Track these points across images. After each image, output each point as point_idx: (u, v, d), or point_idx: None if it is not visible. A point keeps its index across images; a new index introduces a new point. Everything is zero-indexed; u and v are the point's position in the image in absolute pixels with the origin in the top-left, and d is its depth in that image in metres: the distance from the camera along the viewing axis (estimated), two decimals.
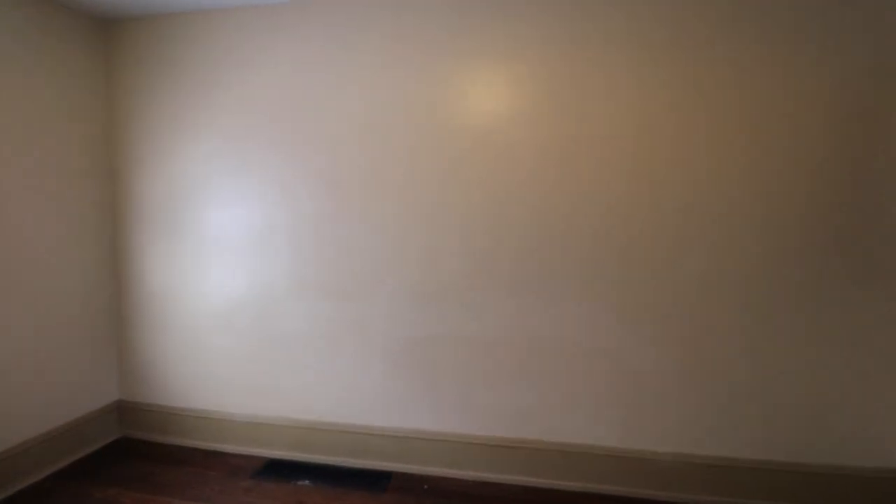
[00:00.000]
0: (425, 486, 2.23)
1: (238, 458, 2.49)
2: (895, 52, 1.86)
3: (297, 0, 2.33)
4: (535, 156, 2.15)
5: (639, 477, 2.17)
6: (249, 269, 2.48)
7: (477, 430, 2.30)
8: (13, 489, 2.15)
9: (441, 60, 2.20)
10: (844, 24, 1.89)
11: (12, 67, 2.16)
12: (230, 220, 2.49)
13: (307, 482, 2.26)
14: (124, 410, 2.71)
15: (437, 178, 2.24)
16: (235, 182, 2.47)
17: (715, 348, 2.10)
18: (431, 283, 2.28)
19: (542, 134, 2.13)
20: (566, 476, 2.22)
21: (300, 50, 2.34)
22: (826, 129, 1.94)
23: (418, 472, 2.34)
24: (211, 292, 2.54)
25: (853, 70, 1.90)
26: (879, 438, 2.04)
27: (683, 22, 2.00)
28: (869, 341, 2.00)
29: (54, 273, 2.36)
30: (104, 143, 2.61)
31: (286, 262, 2.43)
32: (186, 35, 2.47)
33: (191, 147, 2.51)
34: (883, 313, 1.98)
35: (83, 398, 2.54)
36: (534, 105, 2.13)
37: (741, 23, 1.96)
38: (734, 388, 2.10)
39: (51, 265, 2.35)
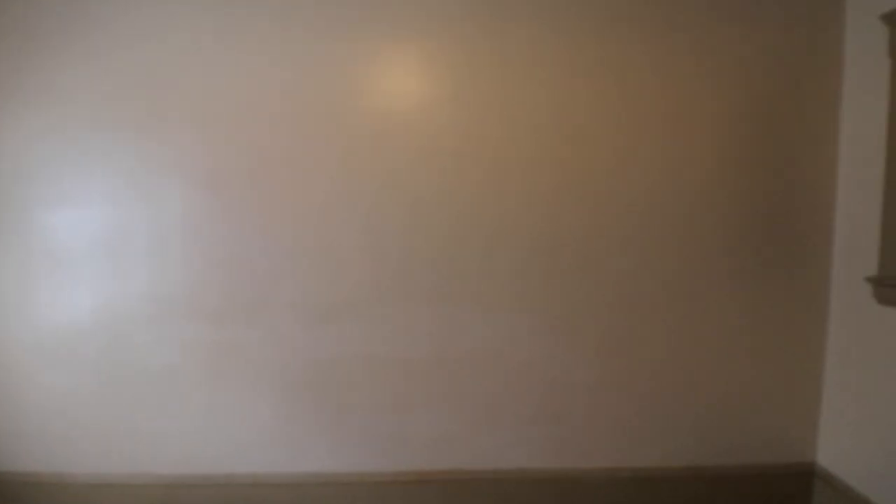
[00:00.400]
0: None
1: None
2: (810, 47, 1.93)
3: None
4: (456, 147, 1.92)
5: (571, 497, 2.01)
6: (95, 287, 1.94)
7: (389, 466, 1.98)
8: None
9: (340, 34, 1.89)
10: (767, 13, 1.92)
11: None
12: (68, 223, 1.94)
13: None
14: None
15: (339, 172, 1.92)
16: (77, 172, 1.92)
17: (644, 354, 2.02)
18: (334, 296, 1.94)
19: (464, 123, 1.91)
20: None
21: (165, 12, 1.90)
22: (746, 125, 1.95)
23: None
24: (41, 319, 1.96)
25: (771, 64, 1.94)
26: (794, 433, 2.08)
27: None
28: (791, 337, 2.04)
29: None
30: None
31: (146, 278, 1.93)
32: None
33: (12, 121, 1.92)
34: (799, 311, 2.03)
35: None
36: (454, 90, 1.91)
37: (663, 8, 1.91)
38: (664, 393, 2.03)
39: None
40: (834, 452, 1.98)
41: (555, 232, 1.95)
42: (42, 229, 1.94)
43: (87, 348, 1.96)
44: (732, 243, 1.98)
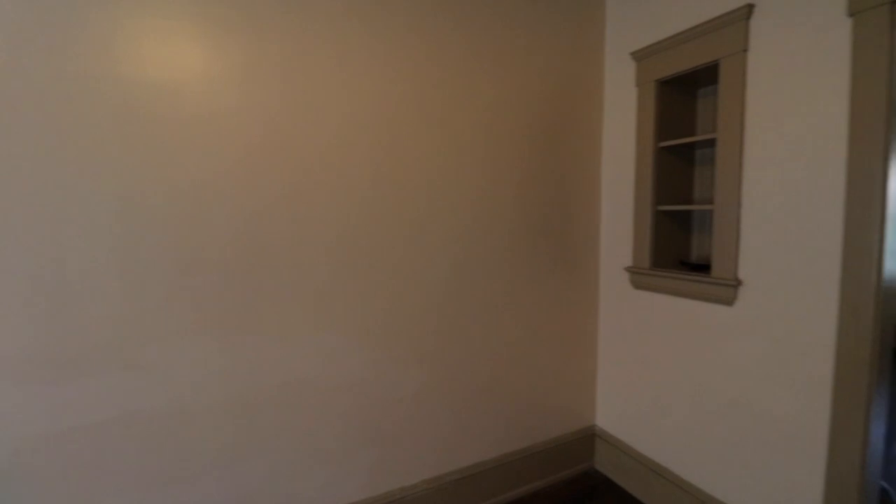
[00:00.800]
0: None
1: None
2: (580, 79, 2.20)
3: None
4: (246, 134, 1.53)
5: None
6: None
7: None
8: None
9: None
10: (550, 28, 2.10)
11: None
12: None
13: None
14: None
15: (72, 163, 1.31)
16: None
17: (457, 357, 2.01)
18: (67, 342, 1.33)
19: (257, 105, 1.54)
20: None
21: None
22: (536, 145, 2.12)
23: None
24: None
25: (553, 92, 2.14)
26: (579, 404, 2.40)
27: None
28: (575, 323, 2.32)
29: None
30: None
31: None
32: None
33: None
34: (580, 301, 2.33)
35: None
36: (244, 66, 1.51)
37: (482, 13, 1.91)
38: (477, 391, 2.07)
39: None
40: (606, 414, 2.39)
41: (362, 240, 1.77)
42: None
43: None
44: (527, 247, 2.15)
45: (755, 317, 1.69)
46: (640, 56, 2.07)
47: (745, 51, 1.68)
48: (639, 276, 2.14)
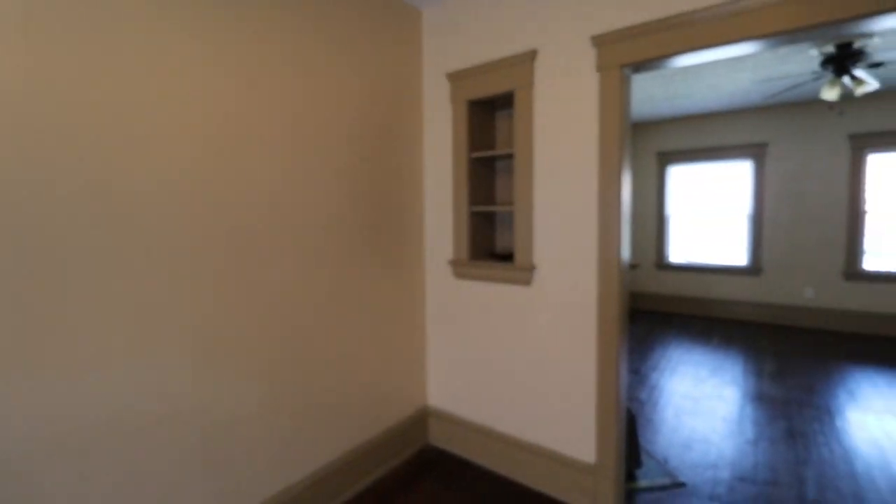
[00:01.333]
0: None
1: None
2: (403, 97, 2.38)
3: None
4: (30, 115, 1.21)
5: None
6: None
7: None
8: None
9: None
10: (375, 48, 2.22)
11: None
12: None
13: None
14: None
15: None
16: None
17: (297, 362, 1.98)
18: None
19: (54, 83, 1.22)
20: None
21: None
22: (367, 141, 2.22)
23: None
24: None
25: (382, 107, 2.27)
26: (414, 387, 2.61)
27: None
28: (408, 316, 2.51)
29: None
30: None
31: None
32: None
33: None
34: (410, 299, 2.53)
35: None
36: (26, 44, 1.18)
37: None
38: (321, 393, 2.06)
39: None
40: (436, 392, 2.66)
41: (189, 244, 1.60)
42: None
43: None
44: (360, 254, 2.26)
45: (546, 293, 2.17)
46: (453, 78, 2.40)
47: (532, 85, 2.14)
48: (460, 268, 2.47)
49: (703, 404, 3.26)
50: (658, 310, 6.25)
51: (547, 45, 2.09)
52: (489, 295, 2.38)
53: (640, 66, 1.91)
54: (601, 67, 1.93)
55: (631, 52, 1.85)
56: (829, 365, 4.04)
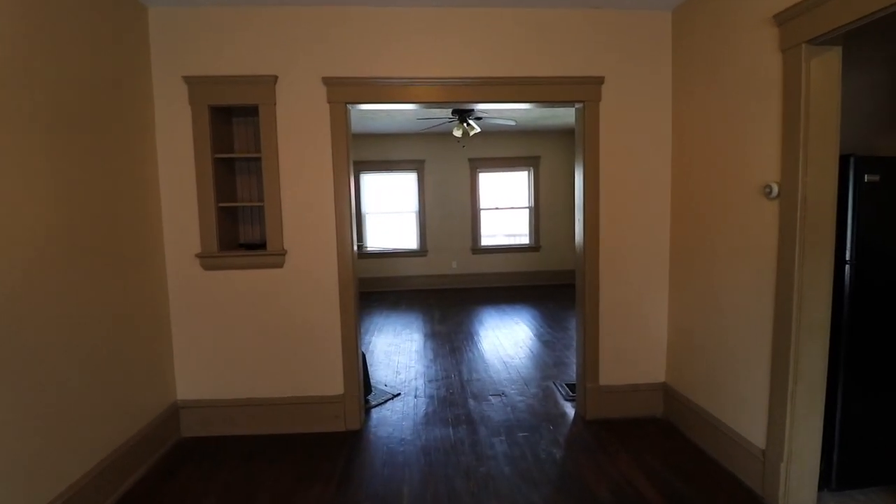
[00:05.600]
0: None
1: None
2: (129, 101, 2.36)
3: None
4: None
5: None
6: None
7: None
8: None
9: None
10: (90, 35, 2.13)
11: None
12: None
13: None
14: None
15: None
16: None
17: (33, 378, 1.84)
18: None
19: None
20: None
21: None
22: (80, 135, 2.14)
23: None
24: None
25: (106, 109, 2.21)
26: (158, 387, 2.62)
27: None
28: (145, 316, 2.51)
29: None
30: None
31: None
32: None
33: None
34: (152, 299, 2.53)
35: None
36: None
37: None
38: (63, 408, 1.95)
39: None
40: (189, 385, 2.75)
41: None
42: None
43: None
44: (90, 257, 2.17)
45: (298, 271, 2.72)
46: (193, 82, 2.58)
47: (275, 103, 2.63)
48: (209, 259, 2.68)
49: (402, 346, 4.52)
50: (362, 291, 7.52)
51: (288, 75, 2.62)
52: (243, 281, 2.72)
53: (357, 104, 2.73)
54: (330, 101, 2.64)
55: (350, 95, 2.65)
56: (469, 309, 6.15)
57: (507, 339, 4.70)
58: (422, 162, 7.53)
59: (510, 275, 7.72)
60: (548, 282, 7.69)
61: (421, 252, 7.64)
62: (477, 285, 7.66)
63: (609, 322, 2.87)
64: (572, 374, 3.65)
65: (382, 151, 7.45)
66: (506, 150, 7.64)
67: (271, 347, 2.76)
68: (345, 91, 2.64)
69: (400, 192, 7.68)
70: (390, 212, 7.70)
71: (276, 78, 2.61)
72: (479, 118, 5.42)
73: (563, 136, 7.65)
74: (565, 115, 6.24)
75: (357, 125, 6.60)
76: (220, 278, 2.72)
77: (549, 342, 4.56)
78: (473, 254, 7.72)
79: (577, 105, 2.82)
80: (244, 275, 2.72)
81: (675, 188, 2.80)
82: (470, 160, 7.60)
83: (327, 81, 2.61)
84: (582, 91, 2.73)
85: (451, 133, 6.18)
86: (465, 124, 5.32)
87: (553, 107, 2.83)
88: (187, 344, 2.74)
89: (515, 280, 7.70)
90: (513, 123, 5.86)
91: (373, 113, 5.70)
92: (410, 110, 5.57)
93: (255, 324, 2.74)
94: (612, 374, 2.90)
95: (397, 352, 4.37)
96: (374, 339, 4.87)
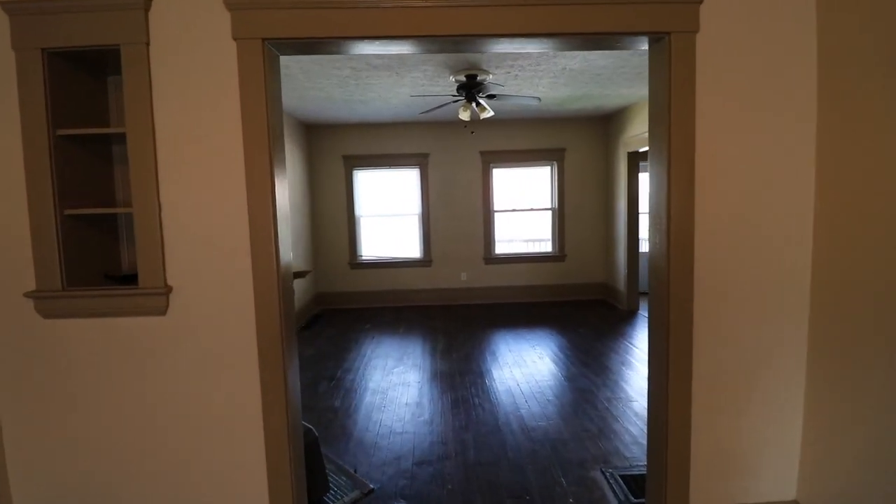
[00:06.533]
0: None
1: None
2: None
3: None
4: None
5: None
6: None
7: None
8: None
9: None
10: None
11: None
12: None
13: None
14: None
15: None
16: None
17: None
18: None
19: None
20: None
21: None
22: None
23: None
24: None
25: None
26: None
27: None
28: None
29: None
30: None
31: None
32: None
33: None
34: None
35: None
36: None
37: None
38: None
39: None
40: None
41: None
42: None
43: None
44: None
45: (190, 320, 1.66)
46: (15, 12, 1.53)
47: (147, 43, 1.57)
48: (49, 302, 1.64)
49: (390, 395, 3.42)
50: (353, 307, 6.46)
51: None
52: (102, 336, 1.66)
53: (290, 46, 1.65)
54: (238, 36, 1.57)
55: (271, 25, 1.56)
56: (480, 335, 5.03)
57: (528, 384, 3.57)
58: (425, 156, 6.43)
59: (529, 289, 6.57)
60: (574, 296, 6.53)
61: (424, 261, 6.55)
62: (490, 300, 6.53)
63: (706, 403, 1.74)
64: (626, 450, 2.52)
65: (378, 144, 6.37)
66: (524, 140, 6.48)
67: (148, 445, 1.71)
68: (262, 18, 1.57)
69: (400, 192, 6.59)
70: (388, 214, 6.62)
71: (148, 1, 1.55)
72: (492, 96, 4.30)
73: (594, 124, 6.46)
74: (598, 97, 5.07)
75: (345, 112, 5.54)
76: (66, 331, 1.67)
77: (585, 391, 3.42)
78: (486, 264, 6.59)
79: (652, 41, 1.70)
80: (103, 326, 1.67)
81: (822, 187, 1.65)
82: (482, 153, 6.47)
83: (232, 3, 1.55)
84: (664, 13, 1.61)
85: (457, 119, 5.10)
86: (473, 104, 4.20)
87: (613, 45, 1.72)
88: (24, 440, 1.71)
89: (536, 295, 6.55)
90: (536, 102, 4.66)
91: (361, 93, 4.62)
92: (401, 92, 4.48)
93: (123, 407, 1.69)
94: (708, 487, 1.77)
95: (381, 405, 3.27)
96: (356, 381, 3.78)
